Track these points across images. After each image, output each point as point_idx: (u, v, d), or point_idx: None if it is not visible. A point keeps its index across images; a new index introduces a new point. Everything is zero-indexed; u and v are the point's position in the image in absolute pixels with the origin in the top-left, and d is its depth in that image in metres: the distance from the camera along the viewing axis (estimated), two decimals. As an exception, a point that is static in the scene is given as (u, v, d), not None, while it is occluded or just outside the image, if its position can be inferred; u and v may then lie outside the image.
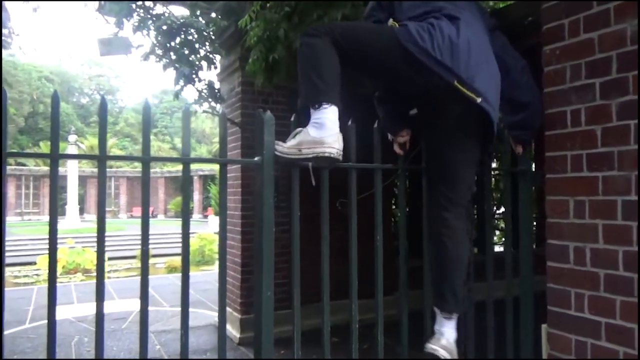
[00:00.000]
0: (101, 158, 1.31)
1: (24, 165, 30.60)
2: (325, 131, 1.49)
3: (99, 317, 1.36)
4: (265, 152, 1.45)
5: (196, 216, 30.09)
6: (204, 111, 5.39)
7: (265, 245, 1.44)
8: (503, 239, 4.79)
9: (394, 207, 5.99)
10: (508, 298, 2.12)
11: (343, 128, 1.65)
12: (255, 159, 1.46)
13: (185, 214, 1.44)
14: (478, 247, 7.21)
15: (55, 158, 1.25)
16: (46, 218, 28.96)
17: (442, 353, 1.62)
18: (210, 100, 5.21)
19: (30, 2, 4.35)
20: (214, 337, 5.17)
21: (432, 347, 1.65)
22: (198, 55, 5.10)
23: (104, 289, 1.38)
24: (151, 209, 31.03)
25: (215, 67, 5.25)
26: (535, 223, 7.38)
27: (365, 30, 1.73)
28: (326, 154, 1.48)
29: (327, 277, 1.68)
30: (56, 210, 1.27)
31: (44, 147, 32.24)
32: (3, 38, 3.57)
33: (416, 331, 1.97)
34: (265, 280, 1.42)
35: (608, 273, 1.62)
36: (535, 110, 1.91)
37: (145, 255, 1.36)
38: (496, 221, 7.63)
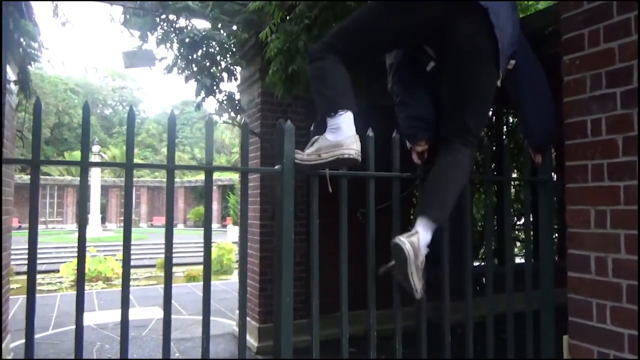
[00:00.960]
0: (128, 166, 1.36)
1: (48, 174, 31.36)
2: (342, 134, 1.53)
3: (124, 321, 1.39)
4: (285, 160, 1.48)
5: (215, 226, 30.33)
6: (224, 122, 5.48)
7: (285, 252, 1.47)
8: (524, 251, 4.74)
9: (412, 217, 5.96)
10: (528, 310, 2.10)
11: (362, 137, 1.68)
12: (276, 167, 1.50)
13: (207, 221, 1.48)
14: (498, 259, 7.11)
15: (85, 166, 1.30)
16: (69, 227, 29.61)
17: (407, 247, 1.56)
18: (230, 111, 5.29)
19: (57, 14, 4.48)
20: (232, 346, 5.20)
21: (400, 238, 1.60)
22: (219, 67, 5.19)
23: (129, 295, 1.42)
24: (171, 218, 31.31)
25: (236, 79, 5.34)
26: (556, 234, 7.27)
27: (353, 19, 1.80)
28: (345, 156, 1.51)
29: (346, 286, 1.69)
30: (86, 215, 1.32)
31: (68, 157, 32.96)
32: (34, 52, 3.71)
33: (434, 342, 1.96)
34: (285, 286, 1.45)
35: (630, 284, 1.59)
36: (540, 118, 1.93)
37: (169, 263, 1.40)
38: (517, 232, 7.52)
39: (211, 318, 5.81)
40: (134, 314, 6.87)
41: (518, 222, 7.60)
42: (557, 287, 2.12)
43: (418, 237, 1.62)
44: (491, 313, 2.01)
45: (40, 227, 26.18)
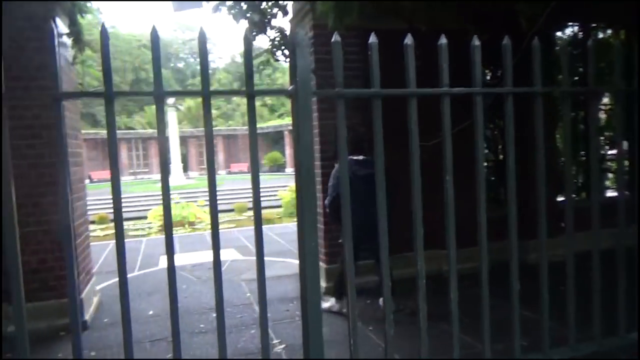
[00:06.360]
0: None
1: (132, 129, 33.45)
2: None
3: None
4: (299, 79, 1.23)
5: (288, 170, 31.04)
6: (276, 60, 5.26)
7: (304, 190, 1.28)
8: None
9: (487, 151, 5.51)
10: (619, 249, 1.76)
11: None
12: (289, 88, 1.28)
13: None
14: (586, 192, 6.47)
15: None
16: (155, 177, 31.70)
17: None
18: (283, 48, 5.06)
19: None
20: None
21: None
22: (269, 3, 4.93)
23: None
24: (245, 165, 32.57)
25: (288, 15, 5.08)
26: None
27: None
28: None
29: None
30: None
31: (148, 110, 34.83)
32: (82, 2, 3.69)
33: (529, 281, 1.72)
34: (307, 230, 1.27)
35: None
36: None
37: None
38: (607, 163, 6.78)
39: (282, 259, 5.85)
40: (209, 255, 7.18)
41: (609, 152, 6.84)
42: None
43: None
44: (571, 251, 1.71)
45: (129, 177, 28.11)
